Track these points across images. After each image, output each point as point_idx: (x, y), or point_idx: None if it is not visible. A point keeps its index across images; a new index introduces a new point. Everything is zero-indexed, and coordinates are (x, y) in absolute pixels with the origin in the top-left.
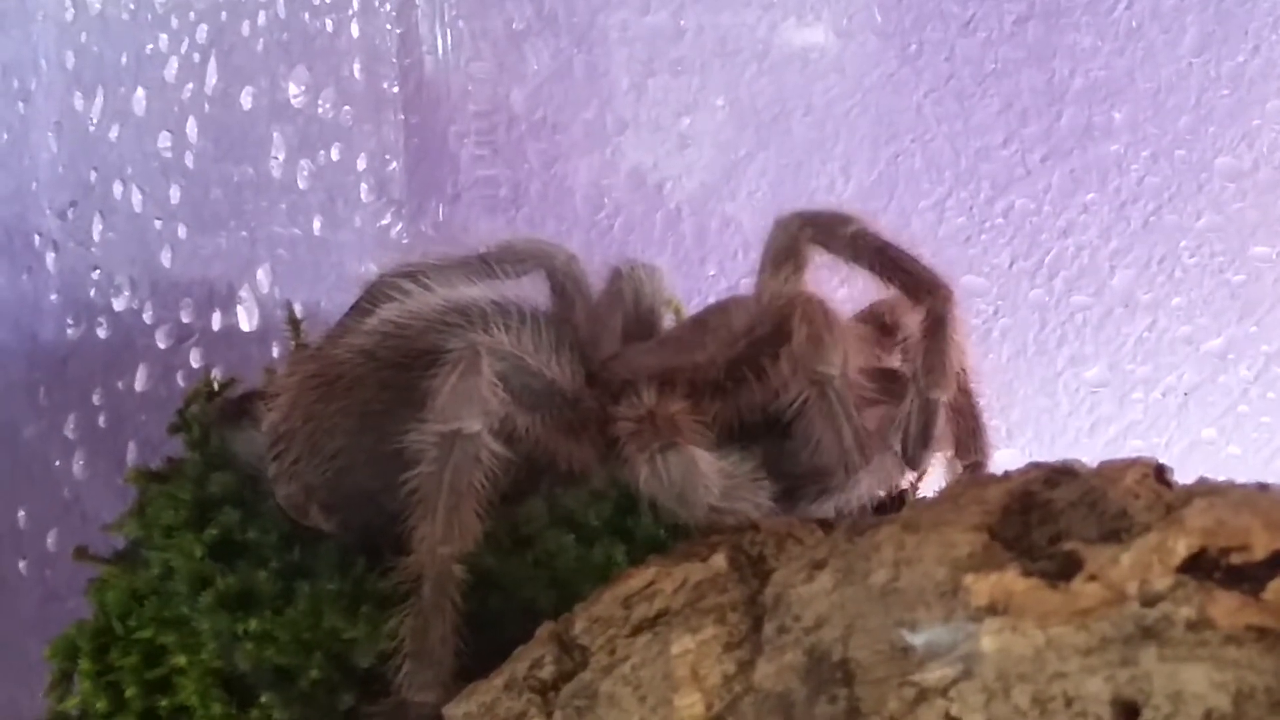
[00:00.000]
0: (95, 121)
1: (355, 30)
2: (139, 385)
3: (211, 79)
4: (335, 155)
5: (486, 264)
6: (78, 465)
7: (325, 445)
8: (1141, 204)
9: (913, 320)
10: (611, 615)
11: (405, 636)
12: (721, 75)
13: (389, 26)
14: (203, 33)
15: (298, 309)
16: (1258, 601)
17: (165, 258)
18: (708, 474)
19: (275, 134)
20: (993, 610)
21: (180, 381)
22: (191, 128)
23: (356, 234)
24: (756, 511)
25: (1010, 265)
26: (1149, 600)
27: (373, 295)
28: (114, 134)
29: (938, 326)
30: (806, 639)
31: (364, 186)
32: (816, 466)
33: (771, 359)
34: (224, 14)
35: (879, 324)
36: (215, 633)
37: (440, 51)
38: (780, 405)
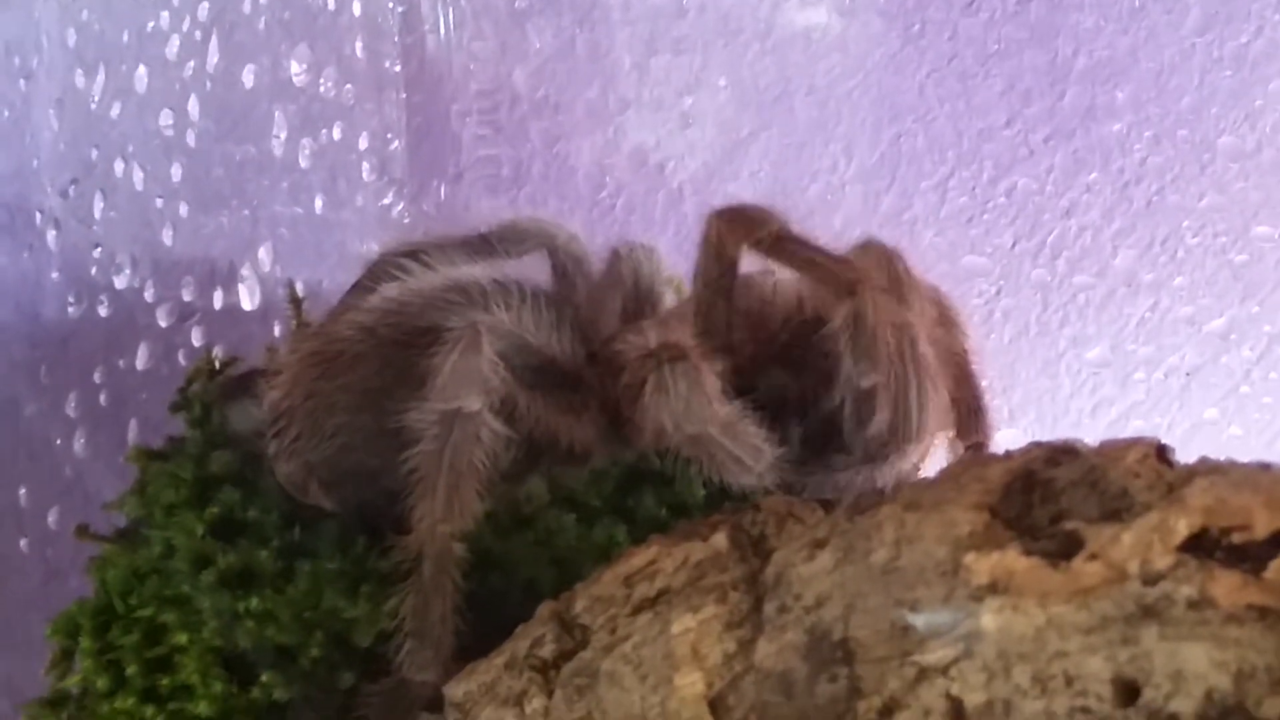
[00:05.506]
0: (97, 99)
1: (357, 8)
2: (140, 364)
3: (213, 57)
4: (337, 134)
5: (488, 243)
6: (79, 444)
7: (326, 423)
8: (1144, 184)
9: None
10: (612, 594)
11: (405, 615)
12: (724, 55)
13: (391, 4)
14: (204, 10)
15: (299, 288)
16: (1258, 580)
17: (167, 236)
18: (712, 395)
19: (277, 112)
20: (993, 589)
21: (182, 360)
22: (193, 106)
23: (358, 213)
24: (755, 459)
25: (1013, 246)
26: (1150, 579)
27: (374, 274)
28: (115, 112)
29: (860, 321)
30: (807, 618)
31: (366, 165)
32: (862, 433)
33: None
34: None
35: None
36: (216, 611)
37: (442, 30)
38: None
